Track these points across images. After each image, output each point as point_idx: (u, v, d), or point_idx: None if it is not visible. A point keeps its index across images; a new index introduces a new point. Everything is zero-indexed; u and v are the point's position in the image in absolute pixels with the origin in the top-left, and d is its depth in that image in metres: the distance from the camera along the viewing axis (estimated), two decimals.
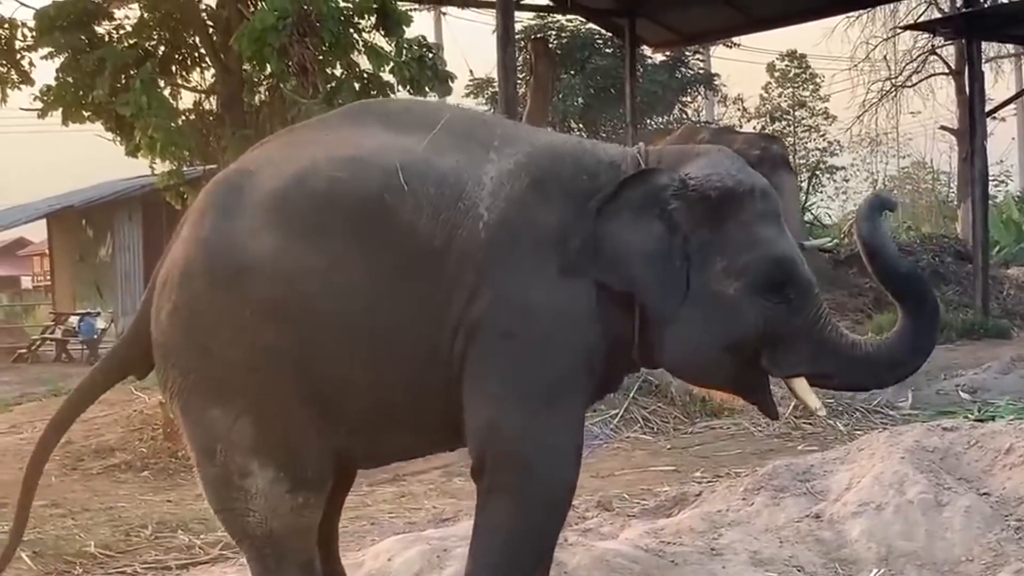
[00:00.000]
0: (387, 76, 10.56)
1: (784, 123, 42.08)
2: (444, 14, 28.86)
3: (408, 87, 10.39)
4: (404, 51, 10.39)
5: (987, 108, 18.51)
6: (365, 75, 10.65)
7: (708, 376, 4.27)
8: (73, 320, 22.88)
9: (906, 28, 26.27)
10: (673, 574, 4.72)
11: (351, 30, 10.26)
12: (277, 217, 3.84)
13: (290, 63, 9.61)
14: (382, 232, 3.81)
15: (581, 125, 28.67)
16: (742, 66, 44.13)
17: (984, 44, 21.31)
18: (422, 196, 3.82)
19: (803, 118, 42.64)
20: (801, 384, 4.09)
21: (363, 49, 10.40)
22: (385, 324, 3.81)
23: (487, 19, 26.17)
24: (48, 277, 38.74)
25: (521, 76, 17.92)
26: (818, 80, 42.79)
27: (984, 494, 5.20)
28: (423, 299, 3.81)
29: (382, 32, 10.50)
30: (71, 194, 27.11)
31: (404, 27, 10.51)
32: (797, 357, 4.01)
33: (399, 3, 10.57)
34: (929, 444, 5.54)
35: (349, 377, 3.84)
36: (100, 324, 22.70)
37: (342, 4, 10.19)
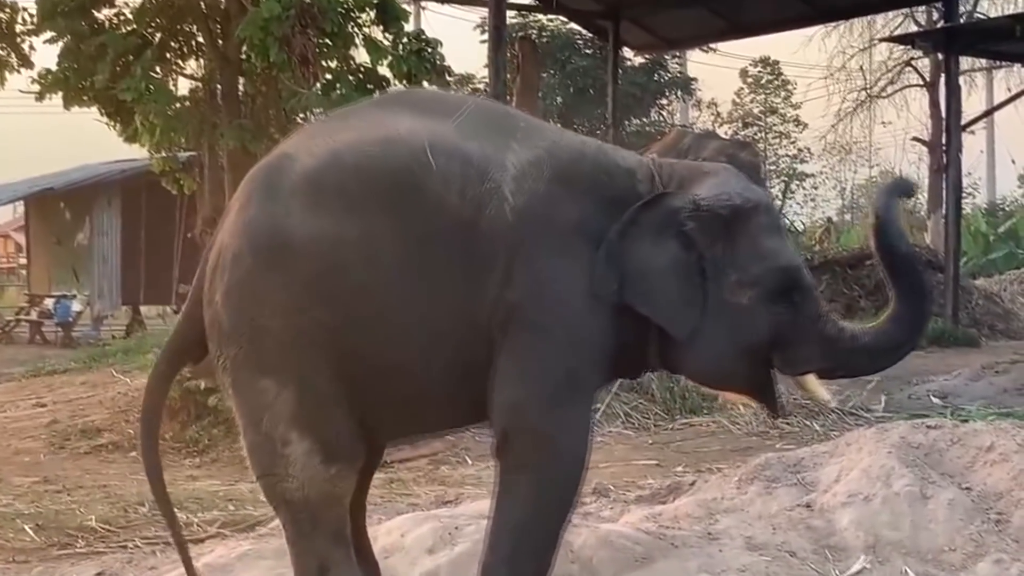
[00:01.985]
0: (383, 70, 10.72)
1: (755, 129, 42.36)
2: (424, 8, 28.94)
3: (405, 81, 10.54)
4: (402, 45, 10.55)
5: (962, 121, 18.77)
6: (361, 69, 10.79)
7: (728, 381, 4.48)
8: (48, 302, 22.87)
9: (885, 40, 26.54)
10: (673, 555, 4.90)
11: (351, 24, 10.40)
12: (314, 194, 4.01)
13: (291, 53, 9.75)
14: (412, 204, 3.98)
15: (559, 125, 28.83)
16: (718, 71, 44.49)
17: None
18: (449, 173, 4.00)
19: (774, 124, 42.90)
20: (811, 380, 4.33)
21: (362, 42, 10.54)
22: (417, 296, 3.99)
23: (465, 14, 26.33)
24: (12, 259, 38.63)
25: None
26: (790, 87, 43.08)
27: (966, 488, 5.38)
28: (455, 273, 3.99)
29: (380, 27, 10.64)
30: (51, 176, 26.98)
31: (402, 22, 10.67)
32: (806, 355, 4.25)
33: None
34: (914, 440, 5.74)
35: (383, 350, 4.02)
36: (76, 307, 22.72)
37: None
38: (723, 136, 4.52)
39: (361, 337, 4.00)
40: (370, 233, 3.97)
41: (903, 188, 4.43)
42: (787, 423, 10.08)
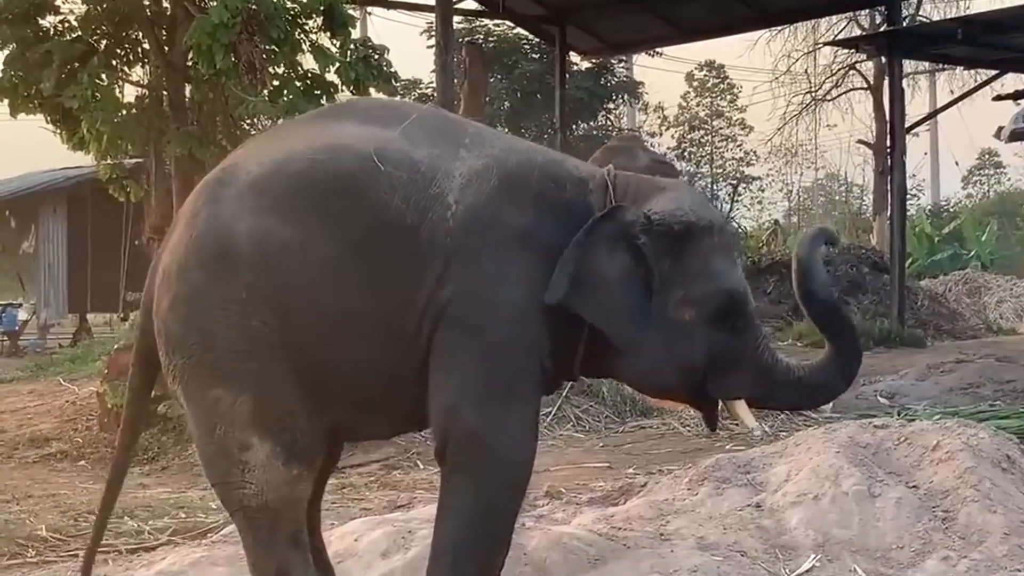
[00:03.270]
0: (331, 76, 10.75)
1: (702, 132, 42.57)
2: (370, 14, 28.86)
3: (352, 87, 10.58)
4: (349, 52, 10.59)
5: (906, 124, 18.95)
6: (309, 75, 10.82)
7: (663, 393, 4.58)
8: None
9: (829, 44, 26.82)
10: (626, 556, 4.96)
11: (298, 30, 10.43)
12: (258, 201, 4.05)
13: (238, 60, 9.74)
14: (357, 210, 4.03)
15: (507, 129, 28.84)
16: (664, 75, 44.76)
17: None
18: (395, 178, 4.03)
19: (720, 127, 43.12)
20: (741, 405, 4.37)
21: (309, 49, 10.58)
22: (357, 301, 4.02)
23: (411, 20, 26.27)
24: None
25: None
26: (736, 91, 43.35)
27: (913, 487, 5.46)
28: (393, 278, 4.02)
29: (328, 33, 10.68)
30: None
31: (350, 28, 10.71)
32: (739, 381, 4.30)
33: (345, 5, 10.72)
34: (862, 440, 5.82)
35: (327, 353, 4.05)
36: (22, 316, 22.56)
37: (289, 5, 10.36)
38: (639, 145, 4.64)
39: (310, 340, 4.04)
40: (315, 238, 4.01)
41: (827, 237, 4.52)
42: (736, 424, 10.08)
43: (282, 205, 4.04)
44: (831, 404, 10.70)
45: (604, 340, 4.18)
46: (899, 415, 9.53)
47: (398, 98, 26.79)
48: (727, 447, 8.91)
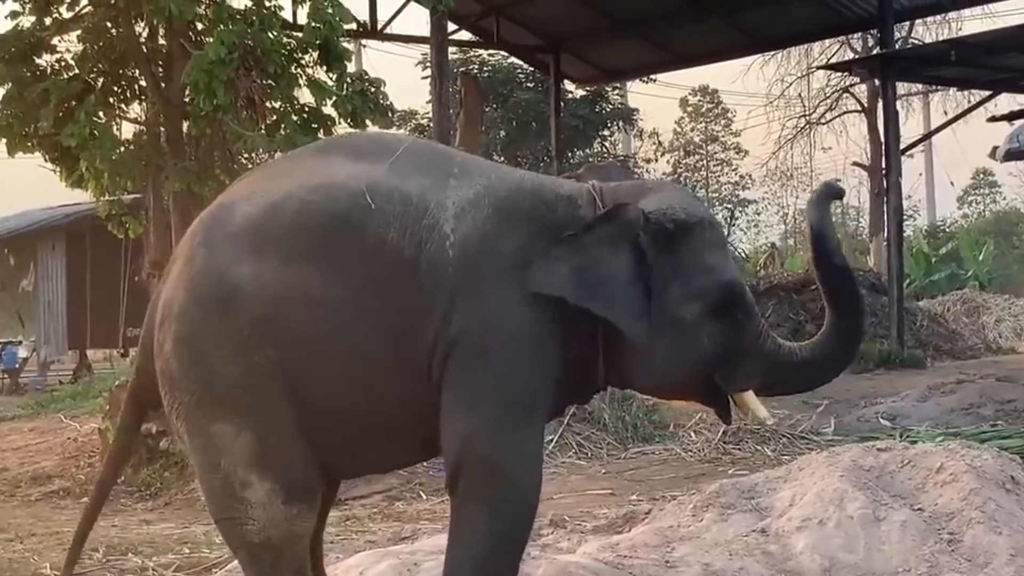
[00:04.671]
0: (328, 109, 10.81)
1: (697, 157, 42.68)
2: (365, 47, 28.96)
3: (349, 120, 10.64)
4: (346, 85, 10.65)
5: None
6: (306, 109, 10.88)
7: (675, 392, 4.63)
8: None
9: (823, 68, 26.86)
10: None
11: (294, 65, 10.50)
12: (255, 243, 4.08)
13: (236, 96, 9.79)
14: (352, 247, 4.05)
15: (503, 159, 28.87)
16: (658, 101, 44.85)
17: None
18: (389, 213, 4.06)
19: (715, 152, 43.24)
20: (749, 396, 4.41)
21: (306, 83, 10.64)
22: (359, 338, 4.04)
23: (406, 51, 26.35)
24: None
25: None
26: (730, 115, 43.49)
27: (918, 509, 5.44)
28: (396, 313, 4.04)
29: (324, 67, 10.75)
30: None
31: (345, 62, 10.78)
32: (746, 371, 4.34)
33: (340, 39, 10.79)
34: (865, 463, 5.80)
35: (334, 390, 4.07)
36: (22, 353, 22.57)
37: (285, 39, 10.42)
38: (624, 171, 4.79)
39: (312, 377, 4.05)
40: (316, 279, 4.03)
41: (833, 193, 4.54)
42: (738, 448, 10.18)
43: (280, 247, 4.06)
44: (832, 426, 10.90)
45: (618, 346, 4.20)
46: (901, 437, 9.55)
47: (394, 130, 26.95)
48: (730, 471, 8.92)
